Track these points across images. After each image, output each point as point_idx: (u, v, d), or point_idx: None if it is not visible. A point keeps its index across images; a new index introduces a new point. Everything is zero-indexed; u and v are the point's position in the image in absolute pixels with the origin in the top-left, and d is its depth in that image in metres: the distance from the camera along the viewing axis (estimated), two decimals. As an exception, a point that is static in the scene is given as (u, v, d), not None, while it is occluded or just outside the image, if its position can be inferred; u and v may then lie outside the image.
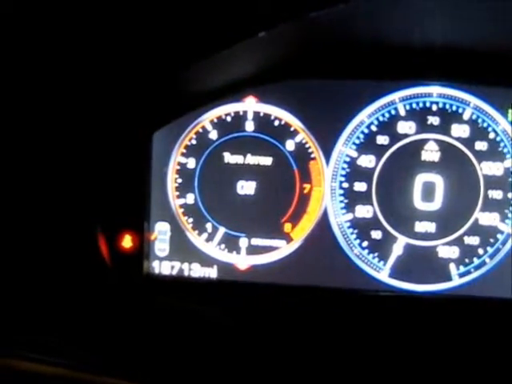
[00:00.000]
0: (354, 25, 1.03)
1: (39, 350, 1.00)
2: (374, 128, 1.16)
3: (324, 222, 1.18)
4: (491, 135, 1.14)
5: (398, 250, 1.17)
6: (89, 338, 1.06)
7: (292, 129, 1.18)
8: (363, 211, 1.17)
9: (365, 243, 1.18)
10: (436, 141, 1.15)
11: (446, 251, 1.16)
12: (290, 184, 1.18)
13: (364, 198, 1.17)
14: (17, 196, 1.07)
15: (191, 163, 1.19)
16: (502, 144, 1.14)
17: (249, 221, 1.19)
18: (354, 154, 1.17)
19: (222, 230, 1.20)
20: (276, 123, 1.18)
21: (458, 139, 1.15)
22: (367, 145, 1.16)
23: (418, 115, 1.15)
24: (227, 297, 1.17)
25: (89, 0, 0.97)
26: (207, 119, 1.19)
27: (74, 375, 0.96)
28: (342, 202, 1.18)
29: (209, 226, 1.20)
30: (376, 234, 1.17)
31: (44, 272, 1.10)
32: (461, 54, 1.09)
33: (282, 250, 1.19)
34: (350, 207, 1.17)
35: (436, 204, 1.16)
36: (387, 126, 1.16)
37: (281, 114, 1.17)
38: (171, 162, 1.19)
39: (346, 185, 1.18)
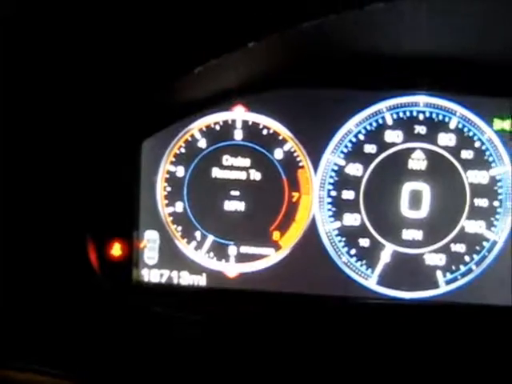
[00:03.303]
0: (342, 35, 1.04)
1: (28, 359, 1.00)
2: (361, 137, 1.17)
3: (312, 230, 1.19)
4: (477, 144, 1.16)
5: (385, 257, 1.18)
6: (78, 346, 1.06)
7: (280, 137, 1.18)
8: (351, 219, 1.18)
9: (353, 251, 1.18)
10: (423, 149, 1.16)
11: (433, 258, 1.17)
12: (279, 192, 1.19)
13: (352, 206, 1.18)
14: (6, 204, 1.07)
15: (180, 171, 1.20)
16: (487, 153, 1.16)
17: (237, 229, 1.19)
18: (342, 162, 1.18)
19: (210, 238, 1.20)
20: (264, 132, 1.18)
21: (445, 148, 1.16)
22: (355, 153, 1.17)
23: (405, 124, 1.16)
24: (216, 304, 1.18)
25: (79, 10, 0.97)
26: (196, 128, 1.19)
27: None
28: (330, 210, 1.18)
29: (198, 234, 1.20)
30: (364, 242, 1.18)
31: (33, 279, 1.09)
32: (447, 64, 1.10)
33: (271, 257, 1.19)
34: (337, 215, 1.18)
35: (423, 212, 1.17)
36: (375, 134, 1.17)
37: (269, 123, 1.18)
38: (160, 170, 1.20)
39: (333, 193, 1.18)
